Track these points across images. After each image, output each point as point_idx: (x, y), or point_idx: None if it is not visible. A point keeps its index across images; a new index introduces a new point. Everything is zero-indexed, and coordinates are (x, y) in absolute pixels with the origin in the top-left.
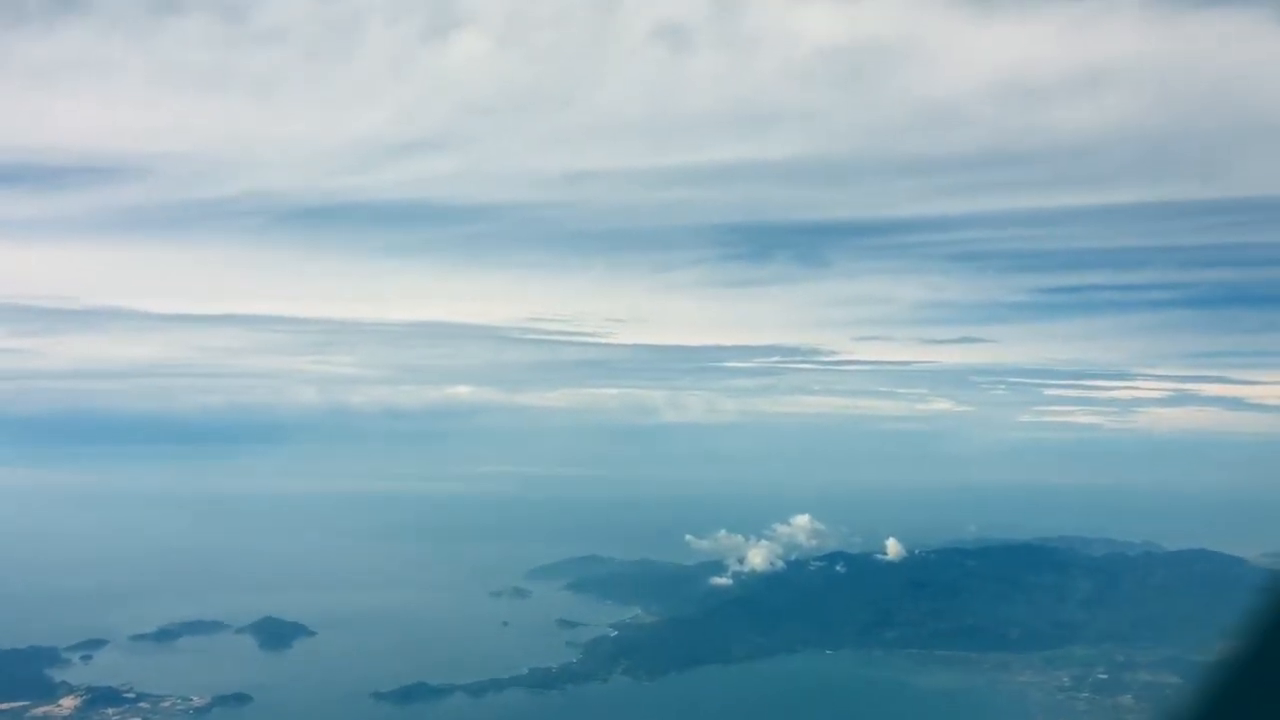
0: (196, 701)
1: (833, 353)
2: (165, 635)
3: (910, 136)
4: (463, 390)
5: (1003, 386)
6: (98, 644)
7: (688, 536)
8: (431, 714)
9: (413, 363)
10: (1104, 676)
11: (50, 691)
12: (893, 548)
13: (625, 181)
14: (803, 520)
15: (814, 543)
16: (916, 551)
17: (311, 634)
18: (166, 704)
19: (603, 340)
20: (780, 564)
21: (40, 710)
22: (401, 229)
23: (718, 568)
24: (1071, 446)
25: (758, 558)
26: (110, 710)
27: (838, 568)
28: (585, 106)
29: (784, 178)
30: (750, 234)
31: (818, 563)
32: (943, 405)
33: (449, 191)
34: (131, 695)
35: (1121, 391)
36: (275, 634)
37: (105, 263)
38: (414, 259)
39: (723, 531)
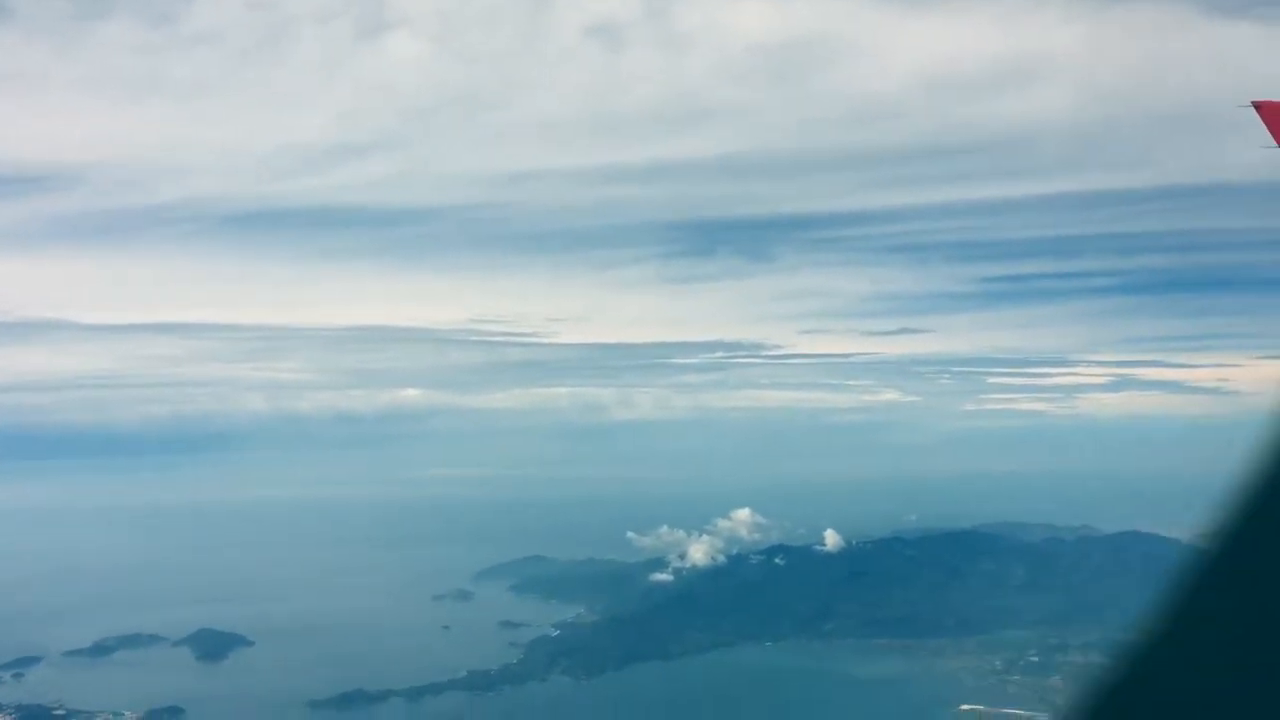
0: (129, 716)
1: (777, 346)
2: (100, 650)
3: (846, 131)
4: (412, 394)
5: (947, 376)
6: (30, 661)
7: (629, 534)
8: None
9: (357, 367)
10: (1035, 659)
11: None
12: (831, 539)
13: (565, 181)
14: (744, 514)
15: (756, 536)
16: (855, 542)
17: (249, 644)
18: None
19: (545, 340)
20: (721, 558)
21: None
22: (340, 233)
23: (659, 564)
24: (1016, 433)
25: (699, 553)
26: None
27: (777, 560)
28: (522, 106)
29: (724, 174)
30: (693, 230)
31: (758, 556)
32: (890, 396)
33: (387, 195)
34: (61, 712)
35: (1063, 378)
36: (212, 645)
37: (38, 274)
38: (354, 263)
39: (665, 528)
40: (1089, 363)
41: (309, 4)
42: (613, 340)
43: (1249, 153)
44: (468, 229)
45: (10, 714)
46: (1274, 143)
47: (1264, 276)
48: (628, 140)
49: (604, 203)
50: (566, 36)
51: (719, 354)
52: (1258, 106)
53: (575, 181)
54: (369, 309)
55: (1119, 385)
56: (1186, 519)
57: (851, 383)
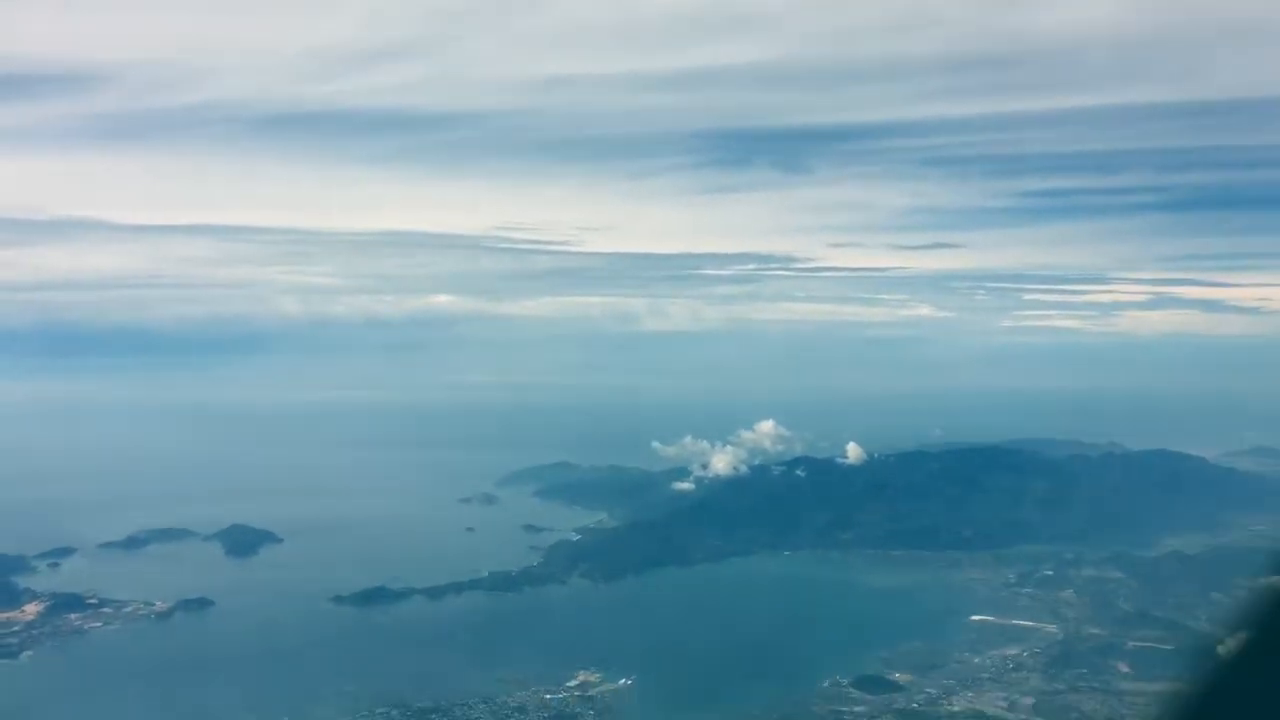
0: (159, 606)
1: (808, 259)
2: (134, 543)
3: (885, 40)
4: (443, 299)
5: (982, 291)
6: (66, 552)
7: (654, 443)
8: (387, 616)
9: (387, 272)
10: (1049, 573)
11: (15, 598)
12: (853, 452)
13: (598, 87)
14: (768, 426)
15: (779, 448)
16: (877, 455)
17: (278, 541)
18: (129, 609)
19: (574, 249)
20: (743, 469)
21: (3, 616)
22: (371, 137)
23: (682, 473)
24: (1051, 350)
25: (721, 463)
26: (73, 615)
27: (799, 472)
28: (556, 11)
29: (759, 83)
30: (726, 140)
31: (780, 467)
32: (924, 311)
33: (418, 99)
34: (95, 601)
35: (1100, 295)
36: (243, 541)
37: (72, 173)
38: (384, 167)
39: (689, 437)
40: (1127, 280)
41: None
42: (643, 250)
43: None
44: (499, 135)
45: (45, 601)
46: None
47: None
48: (662, 47)
49: (637, 110)
50: None
51: (750, 266)
52: None
53: (608, 88)
54: (399, 214)
55: (1157, 303)
56: (1217, 438)
57: (885, 297)
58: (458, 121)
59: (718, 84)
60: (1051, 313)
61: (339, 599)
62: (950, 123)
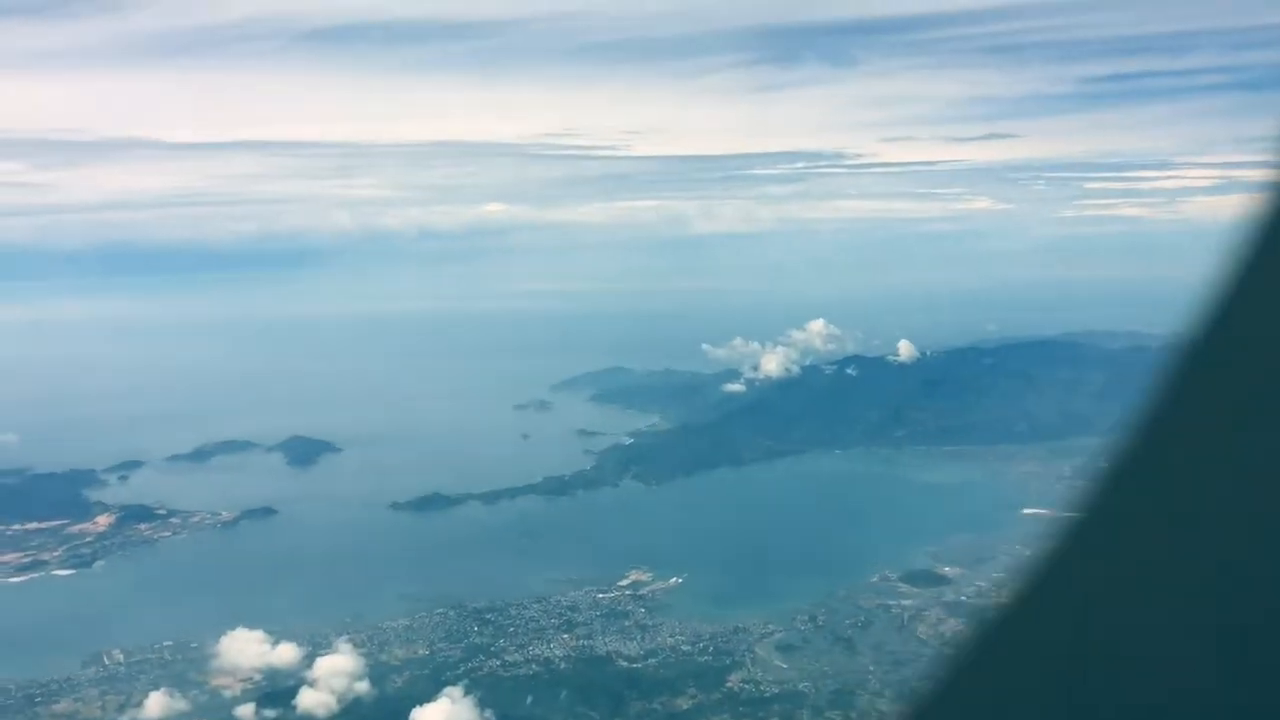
0: (224, 516)
1: (858, 155)
2: (199, 455)
3: None
4: (495, 209)
5: (1041, 182)
6: (134, 465)
7: (705, 345)
8: (444, 521)
9: (437, 183)
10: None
11: (86, 511)
12: (905, 349)
13: None
14: (818, 325)
15: (830, 347)
16: (929, 353)
17: (338, 450)
18: (196, 519)
19: (623, 153)
20: (794, 369)
21: (76, 528)
22: (414, 47)
23: (733, 375)
24: (1115, 240)
25: (772, 364)
26: (143, 525)
27: (850, 371)
28: None
29: None
30: (775, 37)
31: (830, 366)
32: (982, 204)
33: (462, 6)
34: (163, 512)
35: (1166, 181)
36: (303, 452)
37: (117, 92)
38: (428, 77)
39: (739, 339)
40: (1194, 165)
41: None
42: (692, 152)
43: None
44: (543, 40)
45: (115, 513)
46: None
47: None
48: None
49: (682, 10)
50: None
51: (800, 164)
52: None
53: None
54: (445, 124)
55: (1225, 188)
56: None
57: (940, 191)
58: (501, 28)
59: None
60: (1115, 201)
61: (396, 505)
62: (1005, 9)
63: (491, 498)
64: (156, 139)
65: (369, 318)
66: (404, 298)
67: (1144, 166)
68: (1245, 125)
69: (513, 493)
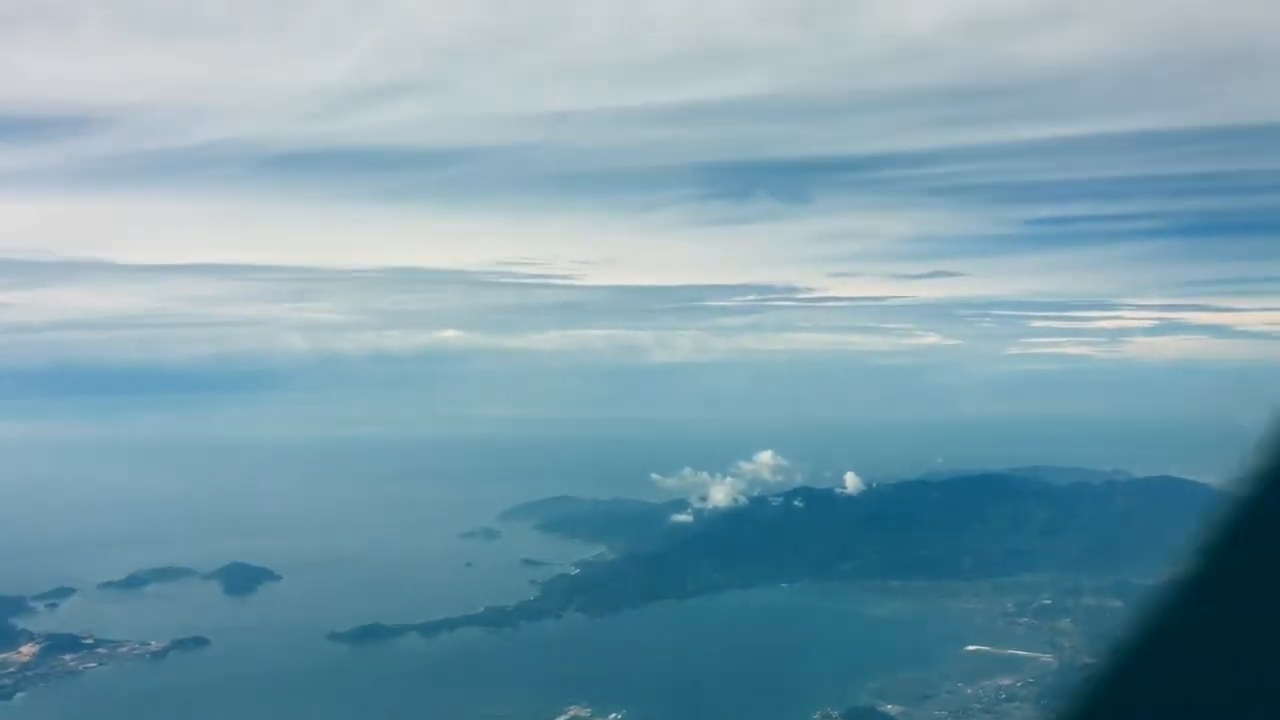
0: (154, 646)
1: (809, 289)
2: (133, 582)
3: (884, 71)
4: (450, 334)
5: (988, 319)
6: (66, 592)
7: (654, 475)
8: (381, 653)
9: (392, 308)
10: (1047, 602)
11: (11, 640)
12: (851, 482)
13: (597, 122)
14: (767, 457)
15: (778, 479)
16: (876, 485)
17: (277, 578)
18: (124, 649)
19: (576, 282)
20: (742, 500)
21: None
22: (374, 174)
23: (681, 505)
24: (1059, 377)
25: (721, 494)
26: (68, 656)
27: (797, 503)
28: (554, 48)
29: (761, 115)
30: (727, 173)
31: (778, 498)
32: (931, 339)
33: (422, 136)
34: (90, 641)
35: (1108, 321)
36: (241, 579)
37: (78, 215)
38: (387, 204)
39: (688, 469)
40: (1134, 306)
41: None
42: (646, 283)
43: None
44: (499, 171)
45: (41, 642)
46: None
47: None
48: (660, 82)
49: (638, 145)
50: None
51: (752, 297)
52: None
53: (607, 123)
54: (402, 250)
55: (1165, 329)
56: (1225, 464)
57: (890, 325)
58: (460, 157)
59: (718, 117)
60: (1059, 339)
61: (334, 636)
62: (952, 152)
63: (432, 629)
64: (115, 261)
65: (321, 442)
66: (357, 422)
67: (1085, 307)
68: (1181, 270)
69: (453, 623)
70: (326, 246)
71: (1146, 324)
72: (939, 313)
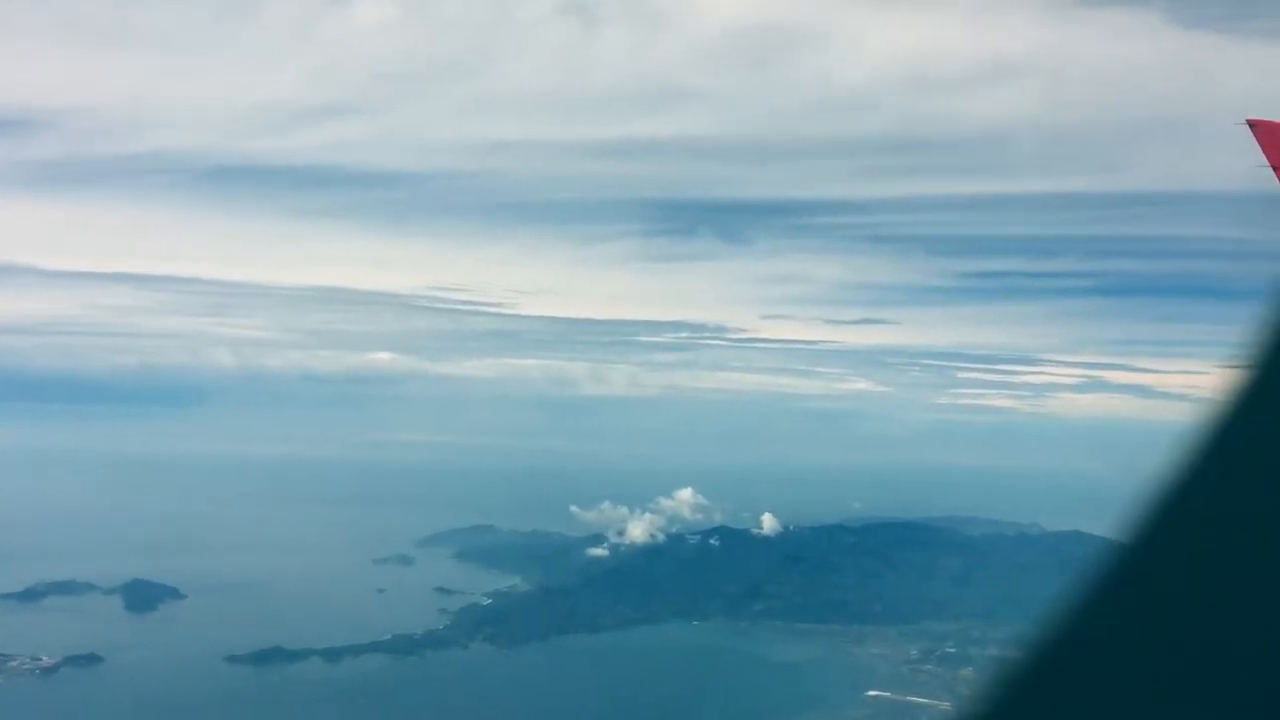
0: (45, 661)
1: (739, 330)
2: (31, 595)
3: (823, 119)
4: (384, 357)
5: (917, 368)
6: None
7: (573, 508)
8: (280, 676)
9: (323, 328)
10: (952, 650)
11: None
12: (769, 523)
13: (537, 153)
14: (687, 494)
15: (698, 517)
16: (792, 528)
17: (181, 597)
18: (14, 663)
19: (509, 311)
20: (659, 537)
21: None
22: (310, 192)
23: (599, 539)
24: (985, 429)
25: (638, 530)
26: None
27: (713, 542)
28: (496, 78)
29: (701, 155)
30: (668, 210)
31: (695, 536)
32: (861, 385)
33: (356, 157)
34: None
35: (1034, 376)
36: (143, 596)
37: (7, 218)
38: (319, 223)
39: (608, 504)
40: (1060, 363)
41: None
42: (579, 315)
43: (1221, 162)
44: (439, 196)
45: None
46: (1266, 161)
47: (1232, 286)
48: (601, 117)
49: (579, 178)
50: (540, 11)
51: (684, 334)
52: (1253, 125)
53: (547, 155)
54: (334, 270)
55: (1089, 386)
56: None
57: (822, 370)
58: (398, 180)
59: (658, 155)
60: (986, 391)
61: (233, 658)
62: (887, 202)
63: (335, 654)
64: (40, 266)
65: (243, 460)
66: (281, 441)
67: (1012, 361)
68: (1106, 329)
69: (358, 650)
70: (258, 262)
71: (1071, 381)
72: (869, 359)
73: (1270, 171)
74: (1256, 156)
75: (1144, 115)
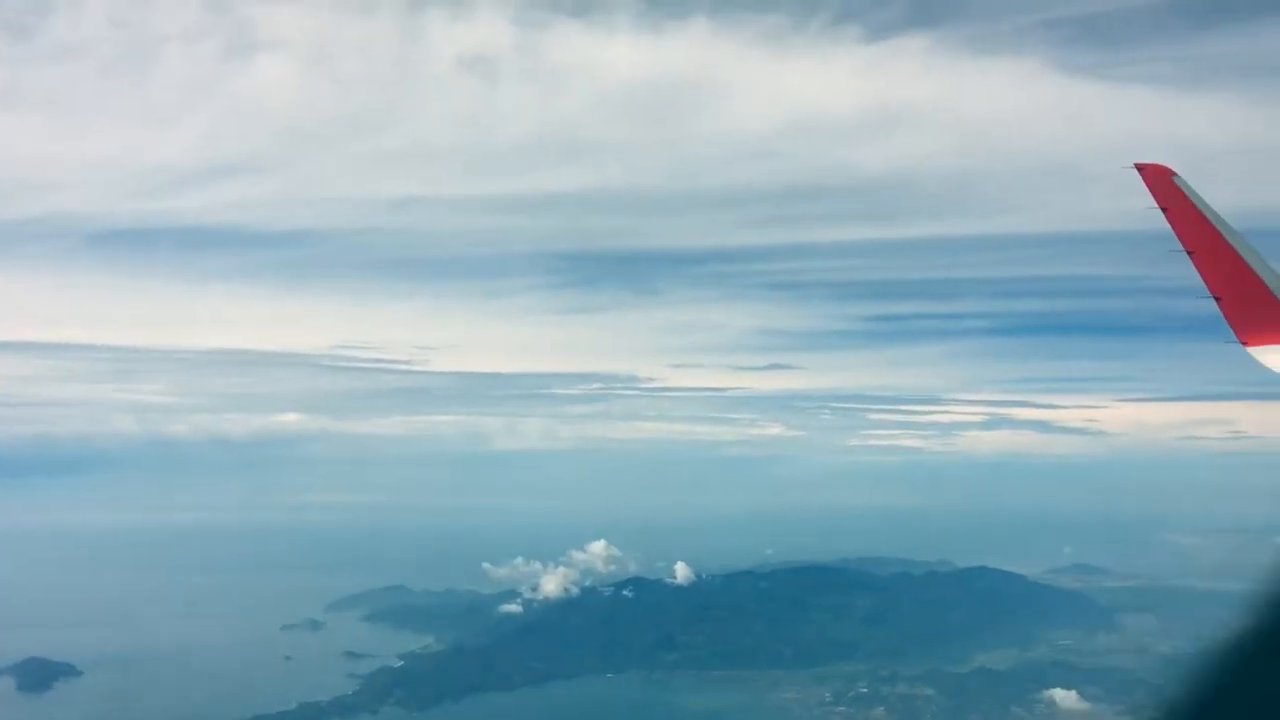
0: None
1: (650, 379)
2: None
3: (724, 170)
4: (291, 418)
5: (827, 411)
6: None
7: (485, 565)
8: None
9: (228, 390)
10: (864, 690)
11: None
12: (681, 571)
13: (440, 209)
14: (599, 547)
15: (611, 568)
16: (705, 576)
17: (78, 674)
18: None
19: (418, 368)
20: (574, 590)
21: None
22: (208, 254)
23: (512, 595)
24: (896, 469)
25: (552, 584)
26: None
27: (627, 593)
28: (399, 133)
29: (606, 207)
30: (574, 262)
31: (609, 588)
32: (775, 430)
33: (256, 216)
34: None
35: (941, 415)
36: (38, 675)
37: None
38: (222, 284)
39: (520, 559)
40: (964, 401)
41: (176, 22)
42: (490, 369)
43: (1111, 204)
44: (342, 253)
45: None
46: (1154, 201)
47: (1128, 323)
48: (505, 171)
49: (480, 232)
50: (440, 65)
51: (595, 385)
52: (1140, 169)
53: (451, 210)
54: (238, 332)
55: (993, 424)
56: (1041, 556)
57: (735, 416)
58: (300, 239)
59: (565, 208)
60: (895, 432)
61: None
62: (790, 249)
63: None
64: None
65: (146, 528)
66: (186, 508)
67: (918, 400)
68: (1008, 367)
69: None
70: (157, 326)
71: (976, 418)
72: (780, 404)
73: (1158, 212)
74: (1144, 198)
75: (1033, 160)
